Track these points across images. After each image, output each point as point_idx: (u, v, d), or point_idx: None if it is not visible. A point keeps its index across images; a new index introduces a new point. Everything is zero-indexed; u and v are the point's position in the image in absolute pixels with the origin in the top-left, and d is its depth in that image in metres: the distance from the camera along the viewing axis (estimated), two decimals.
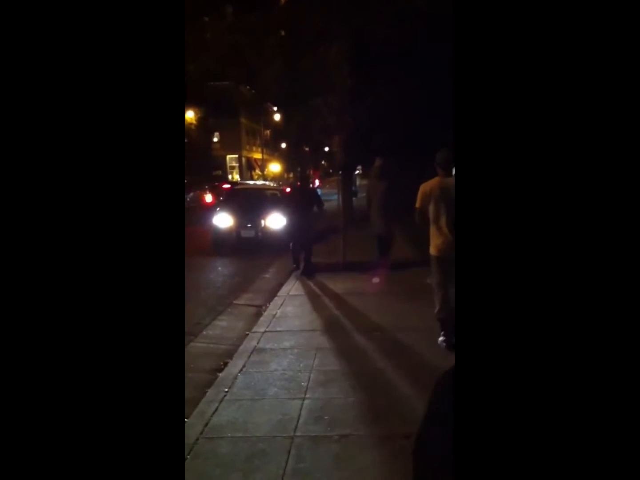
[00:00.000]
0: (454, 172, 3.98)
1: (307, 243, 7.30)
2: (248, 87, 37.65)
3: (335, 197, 9.81)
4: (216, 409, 3.11)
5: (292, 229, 7.64)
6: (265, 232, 9.77)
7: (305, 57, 10.25)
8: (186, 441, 2.70)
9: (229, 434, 2.81)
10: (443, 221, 3.86)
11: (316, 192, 8.22)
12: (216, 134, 38.41)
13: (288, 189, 11.04)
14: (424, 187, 3.99)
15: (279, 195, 11.51)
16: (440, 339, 4.01)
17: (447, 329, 3.96)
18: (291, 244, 7.60)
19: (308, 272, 7.18)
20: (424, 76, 9.94)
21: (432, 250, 4.00)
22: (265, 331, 4.67)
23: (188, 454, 2.60)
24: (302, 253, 7.43)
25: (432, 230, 3.96)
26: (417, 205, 4.03)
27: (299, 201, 7.55)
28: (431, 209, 3.93)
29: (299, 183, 8.15)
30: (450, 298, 3.90)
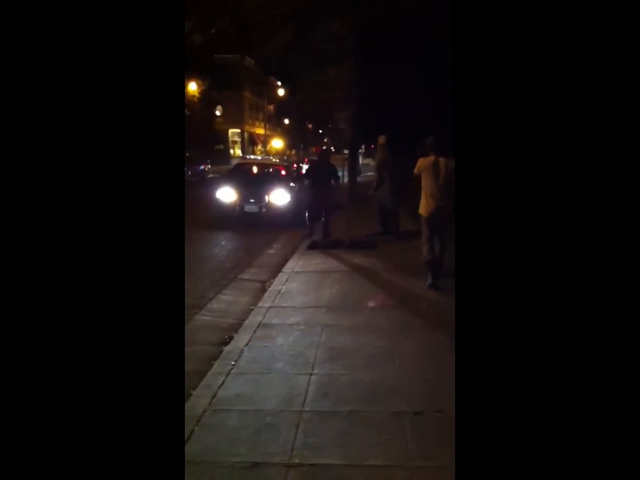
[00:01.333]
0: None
1: (327, 214, 7.91)
2: (253, 60, 37.05)
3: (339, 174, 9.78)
4: (223, 382, 3.09)
5: (311, 201, 8.18)
6: (269, 207, 9.67)
7: (317, 27, 10.04)
8: (193, 413, 2.68)
9: (237, 407, 2.80)
10: (432, 189, 4.97)
11: (334, 167, 8.39)
12: (219, 107, 37.94)
13: (305, 167, 11.38)
14: (421, 161, 5.15)
15: (284, 171, 11.39)
16: (428, 281, 5.11)
17: (432, 271, 5.10)
18: (307, 213, 8.18)
19: (325, 235, 7.82)
20: (424, 58, 9.76)
21: (422, 212, 5.13)
22: (271, 306, 4.64)
23: (195, 426, 2.59)
24: (318, 221, 8.06)
25: (423, 195, 5.09)
26: (415, 171, 5.20)
27: (318, 175, 8.05)
28: (423, 179, 5.05)
29: (317, 159, 8.88)
30: (435, 248, 5.10)
